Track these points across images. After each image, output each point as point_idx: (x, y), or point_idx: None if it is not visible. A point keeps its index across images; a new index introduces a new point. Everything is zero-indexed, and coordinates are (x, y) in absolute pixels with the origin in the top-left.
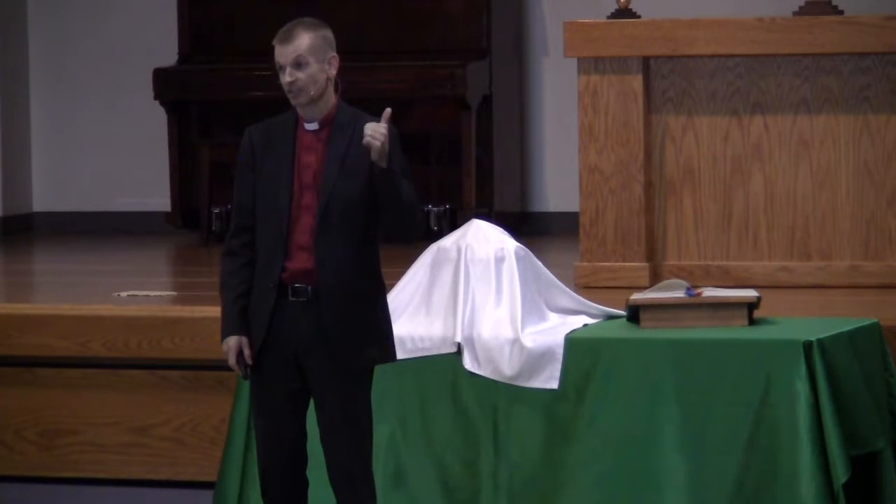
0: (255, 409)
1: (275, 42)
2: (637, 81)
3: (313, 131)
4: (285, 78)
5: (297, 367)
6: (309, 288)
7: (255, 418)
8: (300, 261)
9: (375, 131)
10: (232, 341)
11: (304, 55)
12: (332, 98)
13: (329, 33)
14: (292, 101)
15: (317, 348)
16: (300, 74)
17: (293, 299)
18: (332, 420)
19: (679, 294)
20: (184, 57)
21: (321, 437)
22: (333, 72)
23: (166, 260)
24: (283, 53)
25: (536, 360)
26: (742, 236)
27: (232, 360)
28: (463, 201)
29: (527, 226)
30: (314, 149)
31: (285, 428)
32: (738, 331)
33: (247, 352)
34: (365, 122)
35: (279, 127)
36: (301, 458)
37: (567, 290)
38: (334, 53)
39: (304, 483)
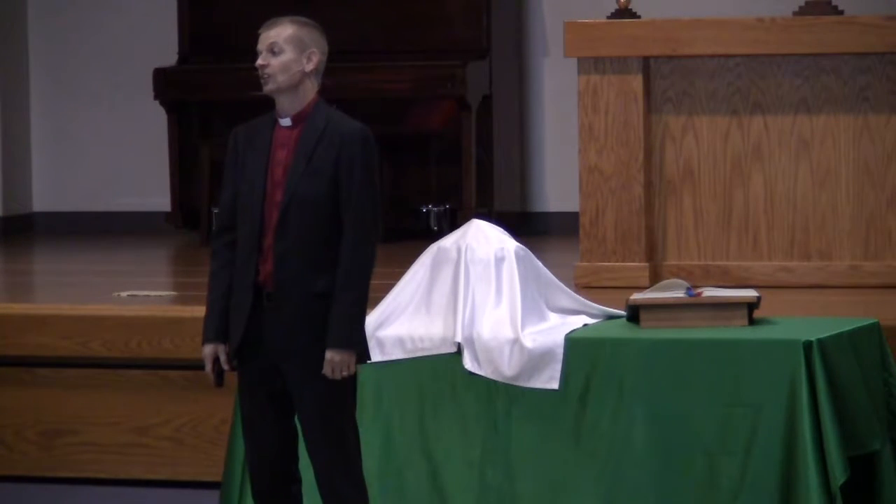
0: (241, 409)
1: (259, 30)
2: (637, 81)
3: (286, 127)
4: (258, 61)
5: (277, 369)
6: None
7: (241, 418)
8: (272, 260)
9: (337, 370)
10: (208, 350)
11: (280, 43)
12: (309, 95)
13: (317, 33)
14: (263, 88)
15: (287, 350)
16: (272, 60)
17: (267, 303)
18: (310, 423)
19: (679, 294)
20: (184, 57)
21: (304, 440)
22: (310, 67)
23: (166, 260)
24: (262, 39)
25: (536, 360)
26: (742, 236)
27: (208, 368)
28: (463, 201)
29: (527, 226)
30: (286, 145)
31: (269, 428)
32: (738, 331)
33: (223, 358)
34: (338, 120)
35: (261, 125)
36: (289, 456)
37: (567, 290)
38: (315, 50)
39: (294, 480)
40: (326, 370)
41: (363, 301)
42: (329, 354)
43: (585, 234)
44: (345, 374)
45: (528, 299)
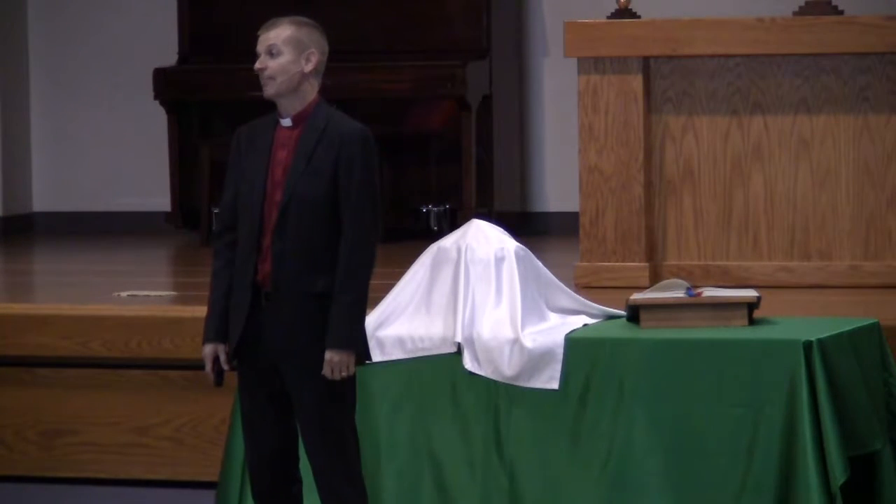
0: (241, 409)
1: (258, 32)
2: (637, 81)
3: (287, 127)
4: (256, 65)
5: (276, 369)
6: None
7: (241, 418)
8: (271, 260)
9: (336, 371)
10: (208, 349)
11: (279, 45)
12: (309, 95)
13: (316, 33)
14: (263, 94)
15: (285, 351)
16: (270, 62)
17: (266, 303)
18: (309, 424)
19: (679, 294)
20: (184, 57)
21: (302, 441)
22: (310, 67)
23: (166, 260)
24: (260, 40)
25: (536, 360)
26: (742, 236)
27: (208, 367)
28: (463, 201)
29: (527, 226)
30: (286, 145)
31: (269, 428)
32: (738, 331)
33: (223, 357)
34: (338, 121)
35: (263, 125)
36: (290, 457)
37: (567, 290)
38: (314, 50)
39: (295, 480)
40: (326, 371)
41: (362, 302)
42: (328, 355)
43: (585, 234)
44: (344, 374)
45: (528, 299)
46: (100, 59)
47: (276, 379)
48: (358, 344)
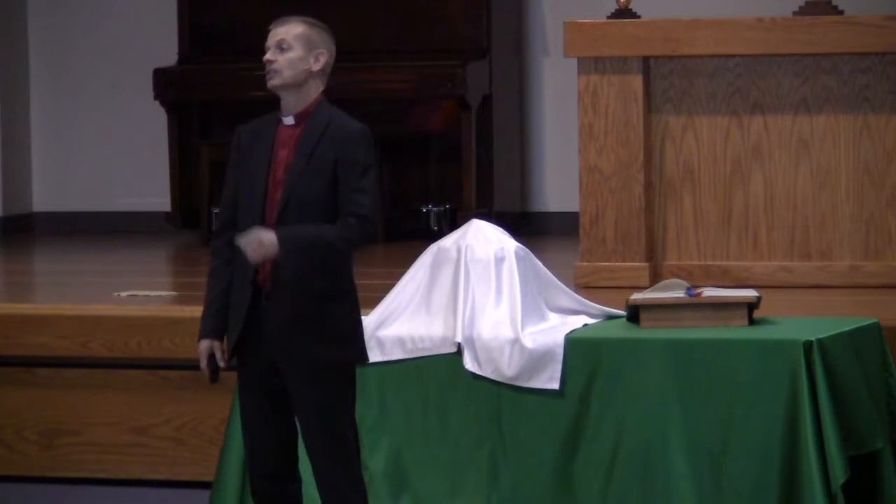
0: (241, 408)
1: (269, 27)
2: (637, 81)
3: (289, 126)
4: (265, 57)
5: (276, 368)
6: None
7: (241, 417)
8: (271, 260)
9: (254, 248)
10: (203, 345)
11: (289, 40)
12: (313, 94)
13: (326, 35)
14: (267, 84)
15: (285, 350)
16: (280, 56)
17: (266, 302)
18: (307, 423)
19: (679, 294)
20: (184, 57)
21: (302, 440)
22: (317, 66)
23: (166, 260)
24: (271, 35)
25: (537, 360)
26: (742, 236)
27: (203, 364)
28: (463, 201)
29: (527, 226)
30: (287, 144)
31: (269, 427)
32: (738, 331)
33: (218, 355)
34: (340, 120)
35: (265, 124)
36: (289, 457)
37: (567, 290)
38: (323, 50)
39: (294, 480)
40: (240, 239)
41: (328, 246)
42: (263, 232)
43: (585, 234)
44: (256, 254)
45: (528, 299)
46: (100, 59)
47: (276, 378)
48: (290, 249)
